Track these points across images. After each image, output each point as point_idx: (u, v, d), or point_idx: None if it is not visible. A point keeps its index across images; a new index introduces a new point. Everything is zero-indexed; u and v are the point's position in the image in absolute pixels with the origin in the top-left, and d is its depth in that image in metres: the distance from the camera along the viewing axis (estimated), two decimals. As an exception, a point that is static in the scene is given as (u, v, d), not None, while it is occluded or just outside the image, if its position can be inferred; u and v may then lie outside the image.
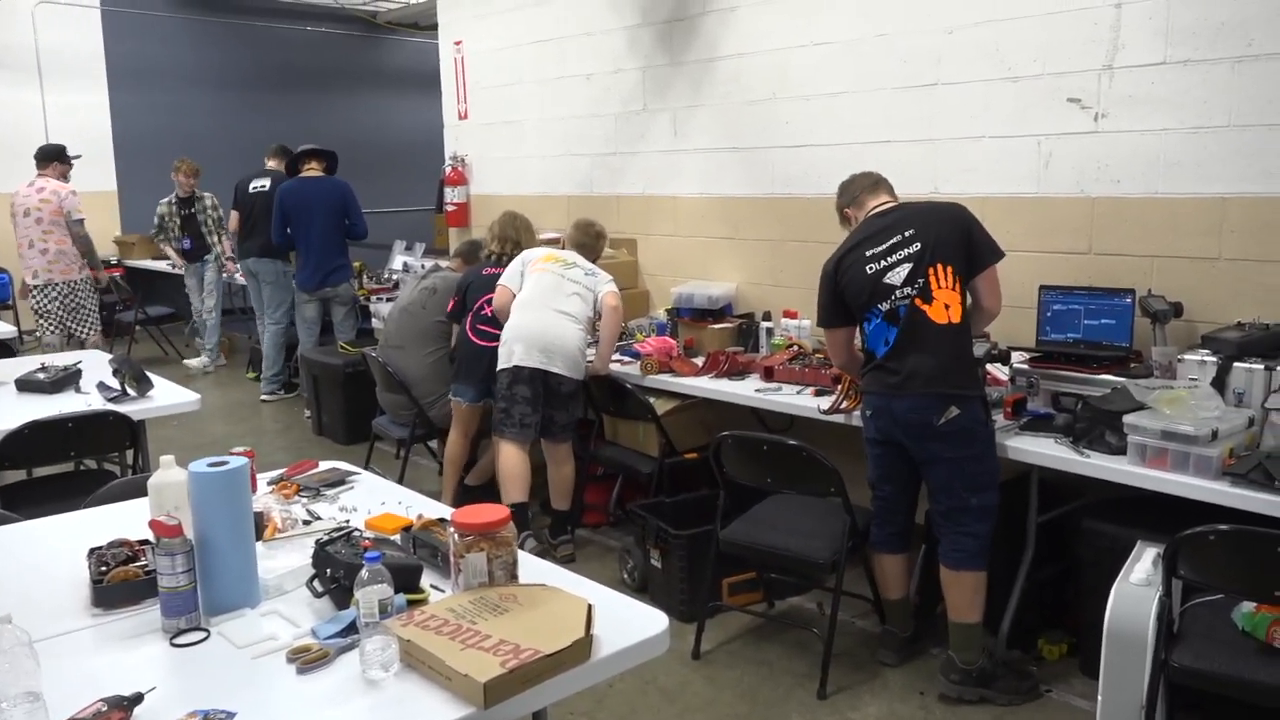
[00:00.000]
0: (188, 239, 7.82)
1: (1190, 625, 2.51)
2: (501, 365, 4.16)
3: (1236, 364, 2.97)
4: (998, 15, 3.77)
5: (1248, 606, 2.42)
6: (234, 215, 7.40)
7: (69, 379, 3.91)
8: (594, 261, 4.44)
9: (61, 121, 8.94)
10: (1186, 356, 3.10)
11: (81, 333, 6.90)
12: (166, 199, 7.84)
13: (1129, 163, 3.50)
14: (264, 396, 7.28)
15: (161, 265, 8.67)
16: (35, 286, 6.74)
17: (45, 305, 6.77)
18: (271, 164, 7.31)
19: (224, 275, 7.98)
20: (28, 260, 6.72)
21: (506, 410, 4.16)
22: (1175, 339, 3.28)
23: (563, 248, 4.51)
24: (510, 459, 4.17)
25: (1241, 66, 3.19)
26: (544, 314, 4.15)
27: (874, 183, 3.31)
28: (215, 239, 7.86)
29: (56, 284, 6.74)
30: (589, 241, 4.51)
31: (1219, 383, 2.97)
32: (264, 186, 7.08)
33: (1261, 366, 2.93)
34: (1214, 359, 3.02)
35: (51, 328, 6.82)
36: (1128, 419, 2.86)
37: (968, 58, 3.88)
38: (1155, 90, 3.40)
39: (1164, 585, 2.47)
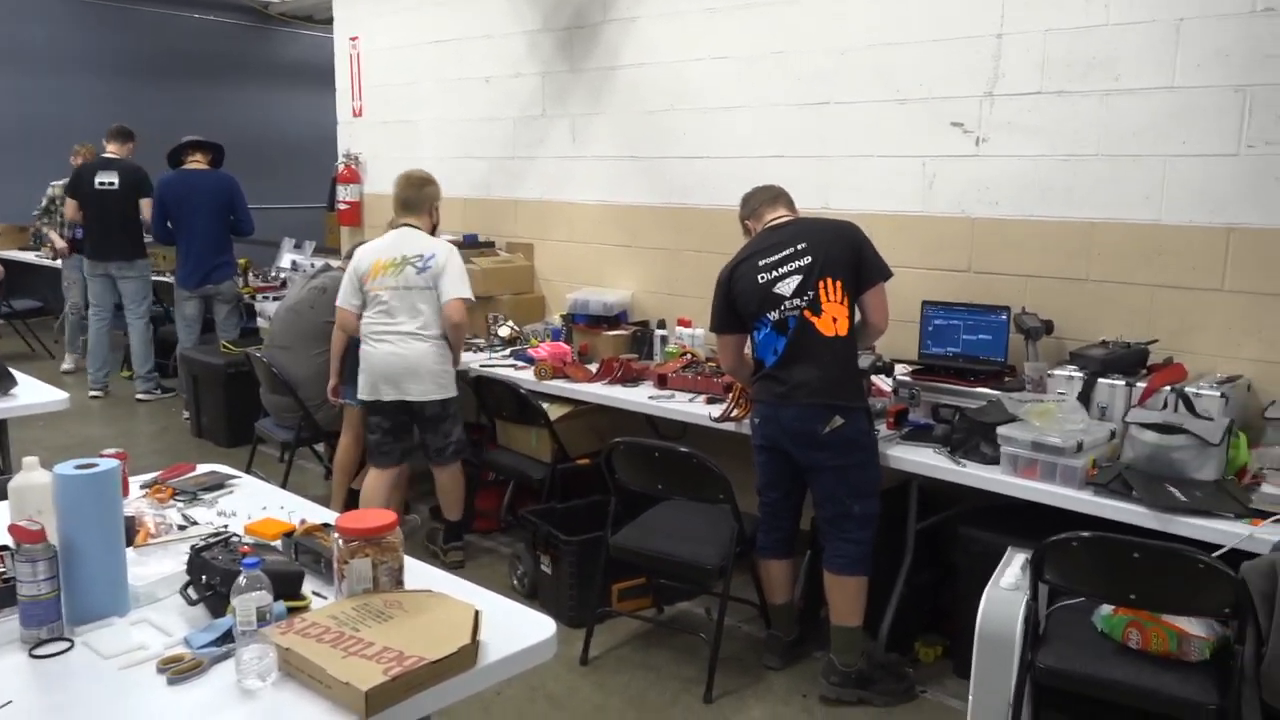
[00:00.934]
0: (79, 228, 7.04)
1: (1055, 627, 2.64)
2: (360, 395, 4.09)
3: (1100, 380, 3.15)
4: (888, 39, 3.90)
5: (1106, 609, 2.55)
6: (71, 204, 6.82)
7: (-78, 374, 3.66)
8: (429, 217, 4.13)
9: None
10: (1056, 372, 3.26)
11: None
12: (60, 181, 7.29)
13: (1007, 186, 3.67)
14: (140, 395, 6.97)
15: (28, 256, 8.20)
16: None
17: None
18: (112, 149, 6.74)
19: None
20: None
21: (368, 437, 4.17)
22: (1046, 355, 3.45)
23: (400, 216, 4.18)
24: (369, 485, 4.16)
25: (1110, 99, 3.39)
26: (387, 345, 3.96)
27: (774, 196, 3.39)
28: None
29: None
30: (413, 195, 4.12)
31: (1084, 397, 3.14)
32: (112, 184, 6.60)
33: (1123, 382, 3.11)
34: (1080, 375, 3.19)
35: None
36: (1001, 430, 2.99)
37: (859, 79, 4.01)
38: (1031, 118, 3.57)
39: (1031, 589, 2.59)
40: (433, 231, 4.19)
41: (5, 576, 1.81)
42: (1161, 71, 3.27)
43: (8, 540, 1.78)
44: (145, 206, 6.60)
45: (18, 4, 9.18)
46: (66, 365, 7.62)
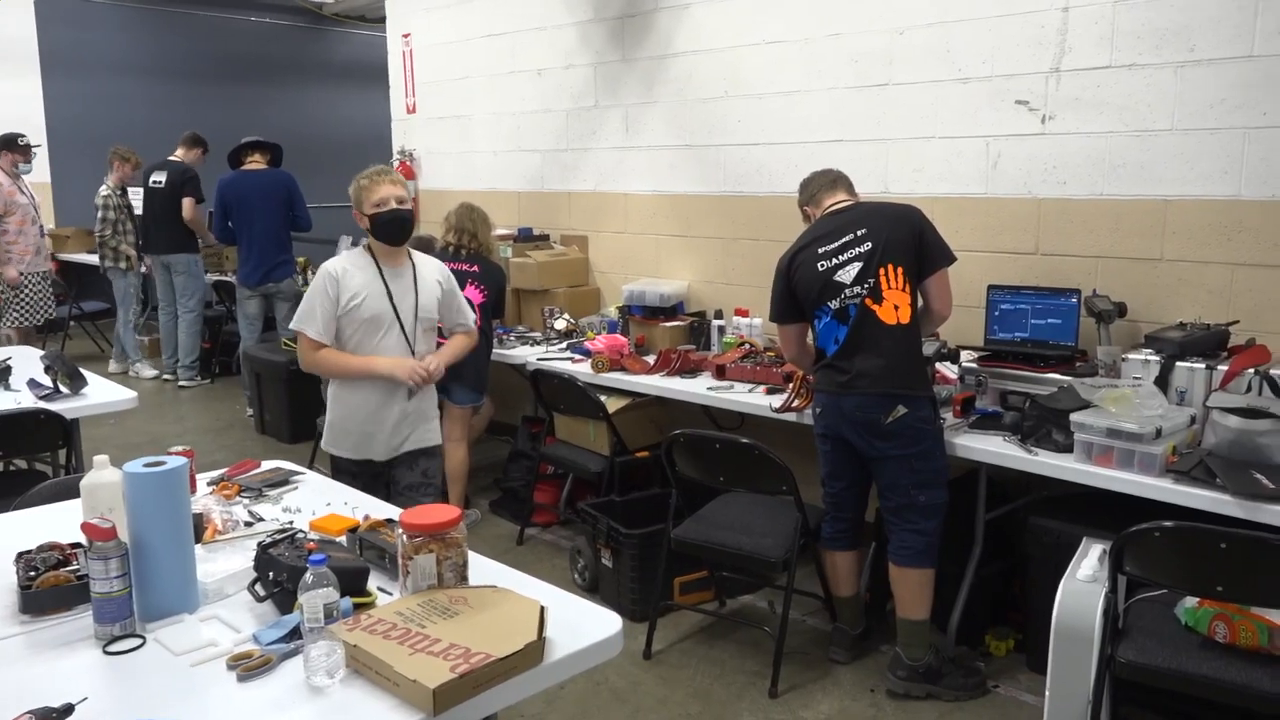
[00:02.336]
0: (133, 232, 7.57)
1: (1135, 621, 2.54)
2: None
3: (1179, 363, 3.03)
4: (948, 17, 3.80)
5: (1190, 602, 2.45)
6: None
7: (-2, 376, 3.77)
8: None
9: (-8, 110, 8.64)
10: (1130, 356, 3.15)
11: (34, 320, 6.96)
12: (105, 189, 7.49)
13: (1075, 164, 3.55)
14: (183, 383, 7.32)
15: (94, 259, 8.38)
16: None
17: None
18: (179, 153, 7.24)
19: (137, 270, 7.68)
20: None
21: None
22: (1119, 338, 3.33)
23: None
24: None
25: (1184, 71, 3.25)
26: None
27: (832, 180, 3.31)
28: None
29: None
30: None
31: (1162, 382, 3.03)
32: (159, 183, 7.09)
33: (1203, 366, 2.99)
34: (1157, 358, 3.07)
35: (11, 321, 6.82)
36: (1074, 417, 2.89)
37: (918, 59, 3.91)
38: (1101, 93, 3.45)
39: (1109, 581, 2.50)
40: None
41: (79, 574, 1.84)
42: (1240, 40, 3.13)
43: (80, 538, 1.80)
44: (188, 205, 7.05)
45: (79, 11, 9.41)
46: (113, 367, 7.75)
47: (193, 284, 7.27)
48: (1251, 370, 2.90)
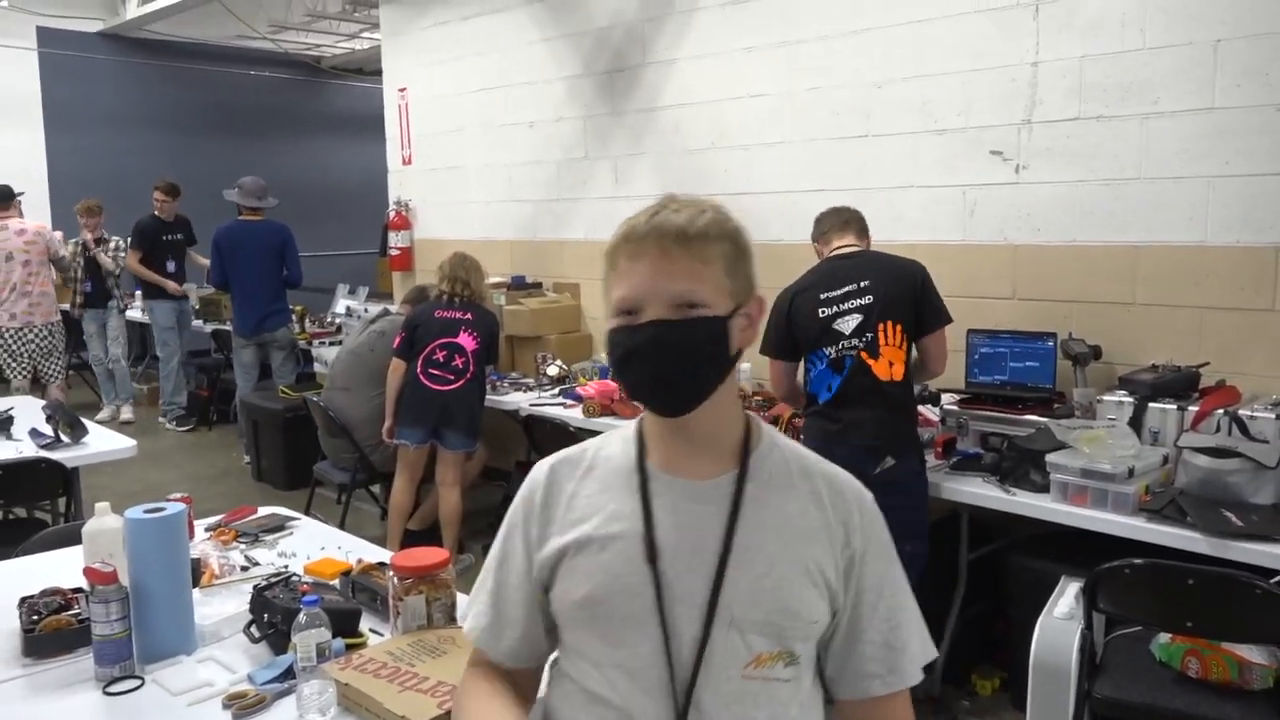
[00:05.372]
0: (89, 283, 7.56)
1: (1112, 657, 2.60)
2: None
3: (1151, 404, 3.11)
4: (923, 71, 3.94)
5: (1164, 638, 2.51)
6: (133, 254, 7.47)
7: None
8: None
9: (-5, 163, 8.80)
10: (1105, 397, 3.23)
11: (51, 372, 6.97)
12: (73, 240, 7.67)
13: (1048, 212, 3.66)
14: (169, 426, 7.48)
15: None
16: (10, 330, 6.73)
17: (20, 348, 6.77)
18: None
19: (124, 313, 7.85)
20: (9, 304, 6.72)
21: None
22: (1095, 380, 3.42)
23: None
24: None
25: (1149, 123, 3.38)
26: None
27: (844, 221, 3.37)
28: (116, 284, 7.71)
29: (36, 326, 6.81)
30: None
31: (1135, 422, 3.11)
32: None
33: (1174, 406, 3.07)
34: (1130, 399, 3.15)
35: (23, 370, 6.84)
36: (1050, 458, 2.97)
37: (896, 111, 4.04)
38: (1070, 144, 3.57)
39: (1086, 619, 2.56)
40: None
41: (80, 617, 1.90)
42: (1201, 93, 3.26)
43: (82, 583, 1.87)
44: (131, 255, 7.44)
45: (81, 68, 9.60)
46: (103, 415, 7.70)
47: (163, 332, 7.55)
48: (1221, 411, 2.98)
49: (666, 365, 1.23)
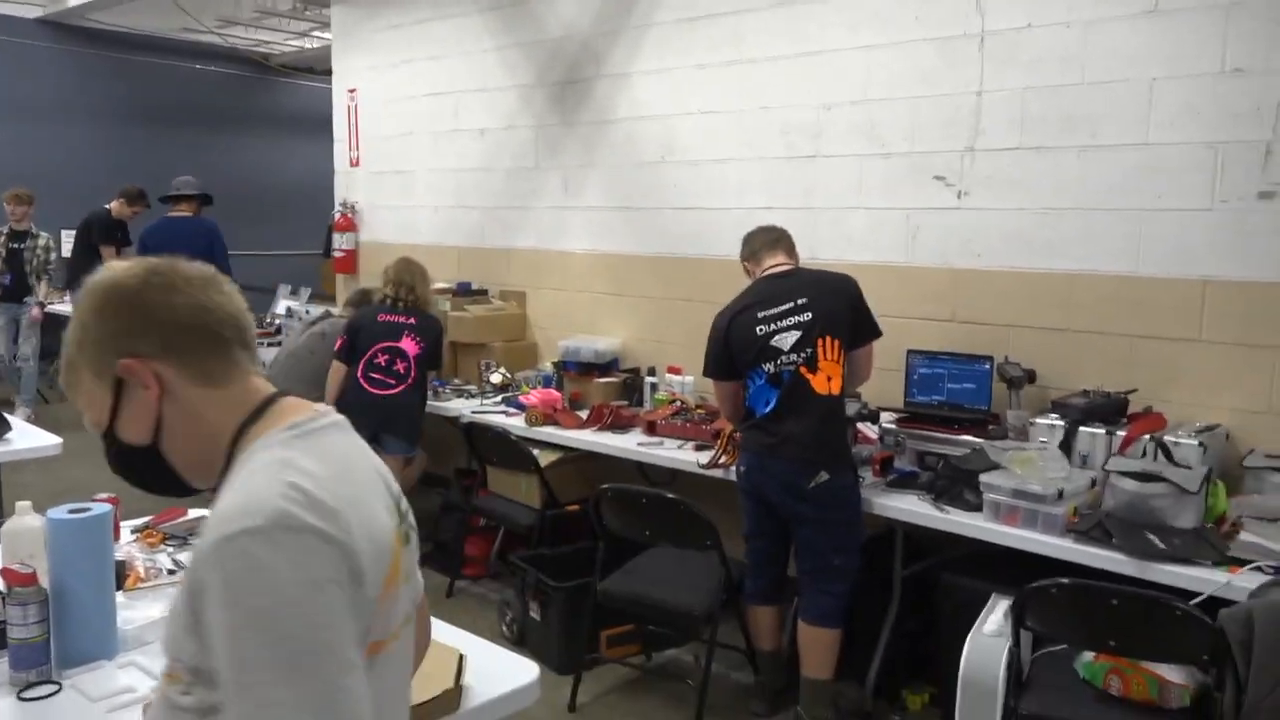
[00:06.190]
0: (9, 275, 7.31)
1: (1038, 674, 2.66)
2: None
3: (1081, 428, 3.20)
4: (871, 95, 4.01)
5: (1088, 656, 2.58)
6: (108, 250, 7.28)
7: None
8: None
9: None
10: (1038, 420, 3.31)
11: None
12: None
13: (988, 238, 3.75)
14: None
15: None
16: None
17: None
18: (114, 204, 7.48)
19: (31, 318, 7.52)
20: None
21: None
22: (1028, 403, 3.50)
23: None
24: None
25: (1086, 155, 3.48)
26: None
27: (774, 240, 3.43)
28: (37, 280, 7.46)
29: None
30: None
31: (1066, 445, 3.19)
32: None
33: (1103, 431, 3.16)
34: (1062, 423, 3.23)
35: None
36: (984, 478, 3.03)
37: (844, 133, 4.11)
38: (1011, 172, 3.66)
39: (1013, 636, 2.61)
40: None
41: (-5, 620, 1.84)
42: (1136, 128, 3.36)
43: None
44: (106, 250, 7.34)
45: (24, 55, 9.33)
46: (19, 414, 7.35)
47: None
48: (1148, 436, 3.07)
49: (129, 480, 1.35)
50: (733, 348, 3.27)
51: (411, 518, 1.30)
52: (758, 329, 3.21)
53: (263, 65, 10.90)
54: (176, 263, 1.25)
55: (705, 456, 3.69)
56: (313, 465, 1.10)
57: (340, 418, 1.23)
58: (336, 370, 4.46)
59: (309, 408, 1.22)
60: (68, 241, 7.49)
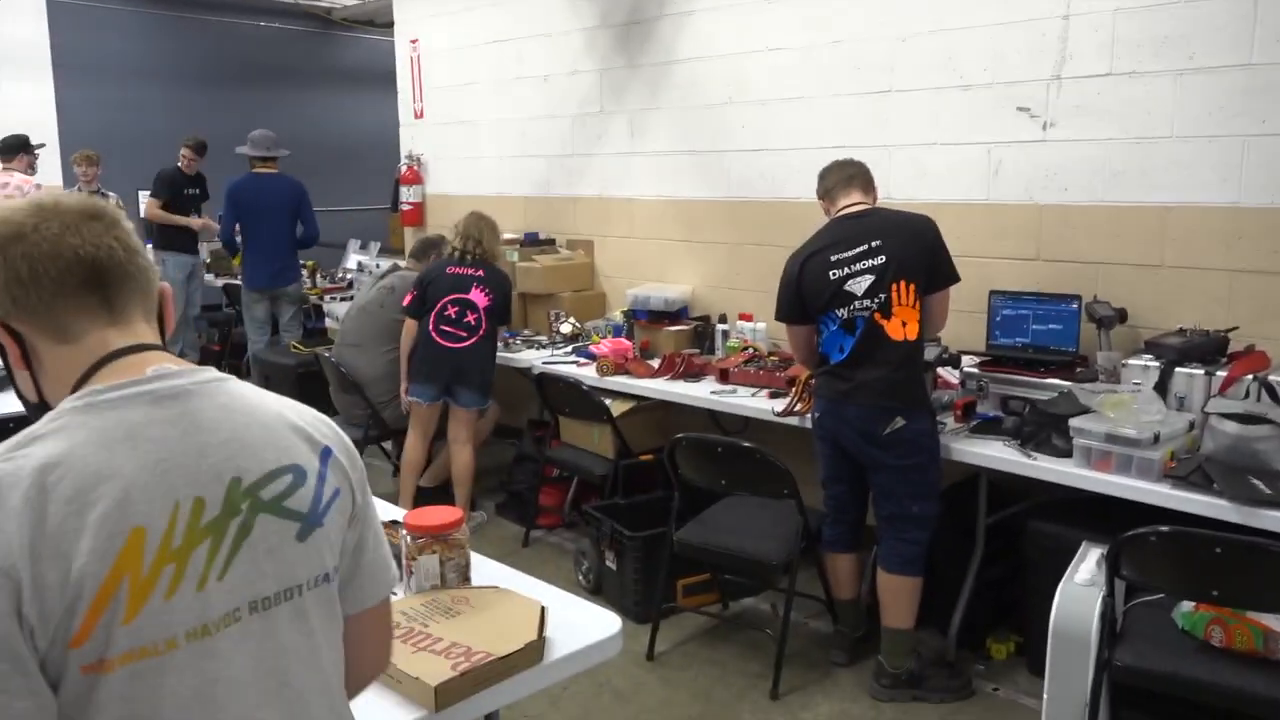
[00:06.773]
0: None
1: (1132, 625, 2.57)
2: None
3: (1178, 369, 3.05)
4: (950, 24, 3.83)
5: (1187, 606, 2.48)
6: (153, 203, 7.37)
7: None
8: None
9: (3, 115, 8.70)
10: (1130, 361, 3.17)
11: None
12: (71, 190, 7.61)
13: (1076, 171, 3.57)
14: None
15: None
16: None
17: None
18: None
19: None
20: None
21: None
22: (1120, 344, 3.35)
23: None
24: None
25: (1183, 79, 3.28)
26: None
27: (849, 177, 3.28)
28: None
29: None
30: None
31: (1161, 387, 3.05)
32: None
33: (1201, 371, 3.01)
34: (1156, 364, 3.09)
35: None
36: (1073, 422, 2.92)
37: (921, 66, 3.94)
38: (1101, 101, 3.47)
39: (1107, 585, 2.52)
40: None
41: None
42: (1238, 48, 3.15)
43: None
44: (152, 203, 7.32)
45: (91, 18, 9.47)
46: None
47: (174, 286, 7.38)
48: (1250, 376, 2.92)
49: None
50: (804, 292, 3.17)
51: (301, 502, 1.17)
52: (830, 273, 3.11)
53: (325, 19, 10.91)
54: (44, 202, 1.13)
55: (779, 404, 3.63)
56: (55, 450, 1.00)
57: (183, 382, 1.11)
58: (409, 327, 4.49)
59: (139, 367, 1.10)
60: (143, 201, 7.61)
